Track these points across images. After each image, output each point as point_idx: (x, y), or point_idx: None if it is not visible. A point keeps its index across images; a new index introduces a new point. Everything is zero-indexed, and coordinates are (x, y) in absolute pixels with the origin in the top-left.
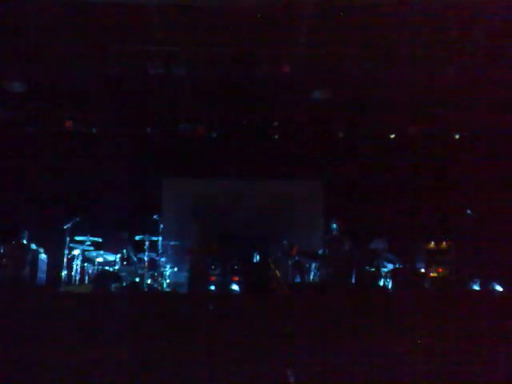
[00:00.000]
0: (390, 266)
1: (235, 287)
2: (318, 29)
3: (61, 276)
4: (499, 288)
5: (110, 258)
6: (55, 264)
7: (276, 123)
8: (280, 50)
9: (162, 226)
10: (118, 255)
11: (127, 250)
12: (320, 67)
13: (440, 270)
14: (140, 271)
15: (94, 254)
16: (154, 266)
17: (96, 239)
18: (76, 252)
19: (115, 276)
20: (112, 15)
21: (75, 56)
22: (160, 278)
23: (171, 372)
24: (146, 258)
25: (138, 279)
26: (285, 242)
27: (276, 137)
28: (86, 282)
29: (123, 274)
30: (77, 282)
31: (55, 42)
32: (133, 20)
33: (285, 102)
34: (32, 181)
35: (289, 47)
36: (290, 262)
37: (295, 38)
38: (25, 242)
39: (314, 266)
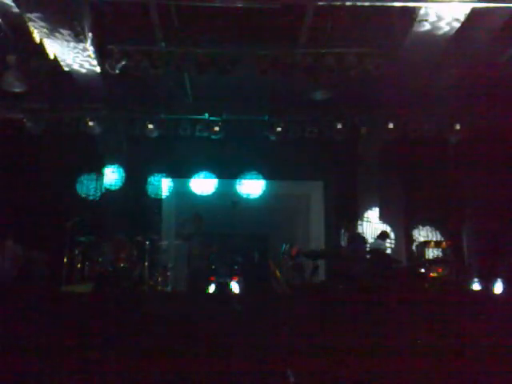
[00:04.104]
0: None
1: (235, 287)
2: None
3: (61, 275)
4: (500, 287)
5: None
6: (55, 263)
7: (277, 123)
8: (280, 49)
9: (162, 225)
10: None
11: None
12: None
13: (440, 269)
14: (140, 271)
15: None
16: (154, 265)
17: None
18: (76, 251)
19: (115, 276)
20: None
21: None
22: (160, 278)
23: (171, 372)
24: (146, 258)
25: (138, 279)
26: (285, 242)
27: (276, 137)
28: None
29: (124, 273)
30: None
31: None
32: (133, 20)
33: (285, 102)
34: (32, 180)
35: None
36: (290, 262)
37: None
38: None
39: (313, 265)
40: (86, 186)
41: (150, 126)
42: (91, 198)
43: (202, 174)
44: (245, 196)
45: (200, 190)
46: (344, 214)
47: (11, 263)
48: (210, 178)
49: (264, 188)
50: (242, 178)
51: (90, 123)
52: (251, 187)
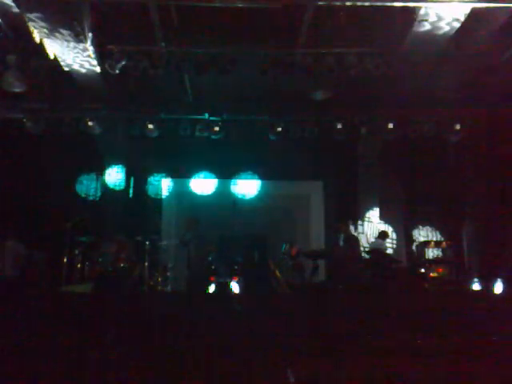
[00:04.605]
0: None
1: (235, 287)
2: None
3: (61, 275)
4: (500, 287)
5: None
6: (55, 263)
7: (277, 123)
8: (280, 49)
9: (162, 226)
10: None
11: (127, 249)
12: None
13: (440, 270)
14: (140, 271)
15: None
16: (154, 265)
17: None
18: (76, 251)
19: (115, 276)
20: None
21: (74, 55)
22: (160, 278)
23: (171, 372)
24: (146, 258)
25: (138, 279)
26: (285, 242)
27: (276, 137)
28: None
29: (124, 273)
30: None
31: (55, 41)
32: (133, 20)
33: (285, 102)
34: (31, 180)
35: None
36: (290, 262)
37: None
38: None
39: (313, 266)
40: (86, 186)
41: (150, 126)
42: (91, 198)
43: (202, 173)
44: (245, 196)
45: (200, 190)
46: (344, 214)
47: (14, 263)
48: (210, 178)
49: (264, 188)
50: (241, 178)
51: (90, 123)
52: (251, 187)
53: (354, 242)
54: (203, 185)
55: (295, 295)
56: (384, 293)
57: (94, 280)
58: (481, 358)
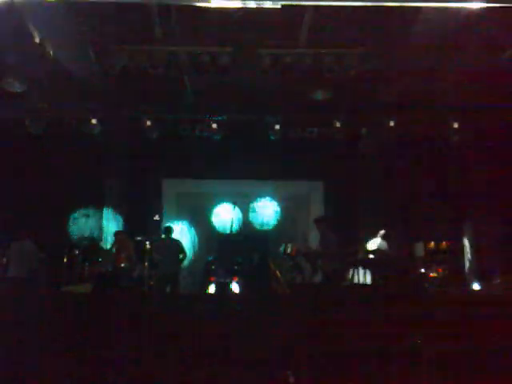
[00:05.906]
0: None
1: (235, 287)
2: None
3: (61, 275)
4: (499, 287)
5: None
6: (55, 263)
7: (277, 123)
8: (280, 49)
9: (162, 226)
10: None
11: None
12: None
13: (440, 269)
14: (140, 271)
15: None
16: (154, 265)
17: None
18: (76, 252)
19: (115, 276)
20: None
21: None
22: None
23: (171, 372)
24: (146, 258)
25: (138, 279)
26: (285, 242)
27: (276, 137)
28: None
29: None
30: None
31: (55, 41)
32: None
33: (285, 102)
34: (32, 180)
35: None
36: (290, 262)
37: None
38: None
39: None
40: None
41: (150, 126)
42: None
43: (203, 174)
44: (245, 196)
45: (200, 191)
46: (344, 213)
47: (30, 263)
48: (210, 178)
49: (264, 188)
50: (241, 179)
51: (91, 123)
52: (251, 188)
53: (327, 241)
54: (203, 185)
55: (295, 295)
56: (384, 292)
57: (94, 280)
58: (481, 357)
